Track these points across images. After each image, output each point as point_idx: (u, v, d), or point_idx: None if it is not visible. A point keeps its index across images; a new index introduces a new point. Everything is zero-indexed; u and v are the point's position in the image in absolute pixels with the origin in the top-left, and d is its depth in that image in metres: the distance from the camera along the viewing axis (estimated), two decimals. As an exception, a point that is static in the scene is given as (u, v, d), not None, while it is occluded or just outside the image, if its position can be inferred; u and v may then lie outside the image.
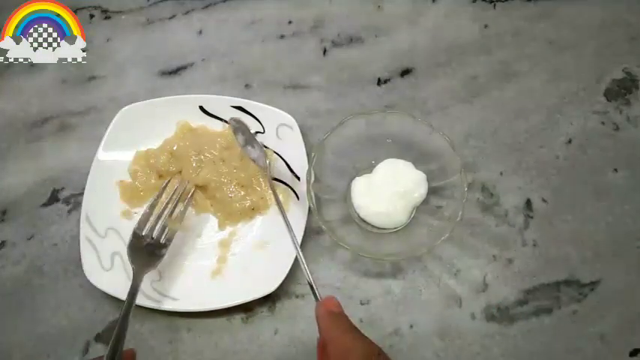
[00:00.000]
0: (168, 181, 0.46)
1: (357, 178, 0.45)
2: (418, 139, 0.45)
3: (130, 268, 0.43)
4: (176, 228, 0.44)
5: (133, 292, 0.38)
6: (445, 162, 0.44)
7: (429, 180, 0.44)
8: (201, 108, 0.50)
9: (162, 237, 0.43)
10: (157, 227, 0.43)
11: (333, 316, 0.31)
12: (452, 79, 0.54)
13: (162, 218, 0.43)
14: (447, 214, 0.42)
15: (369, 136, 0.46)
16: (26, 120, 0.54)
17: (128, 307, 0.37)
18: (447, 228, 0.40)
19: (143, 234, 0.42)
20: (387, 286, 0.44)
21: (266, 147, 0.49)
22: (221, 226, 0.46)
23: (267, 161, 0.45)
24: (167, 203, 0.44)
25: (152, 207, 0.44)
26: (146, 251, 0.42)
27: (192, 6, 0.61)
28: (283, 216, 0.41)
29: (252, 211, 0.46)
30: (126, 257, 0.44)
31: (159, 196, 0.45)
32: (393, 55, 0.56)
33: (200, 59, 0.57)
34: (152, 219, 0.43)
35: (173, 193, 0.45)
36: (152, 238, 0.42)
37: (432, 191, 0.44)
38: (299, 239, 0.43)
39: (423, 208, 0.44)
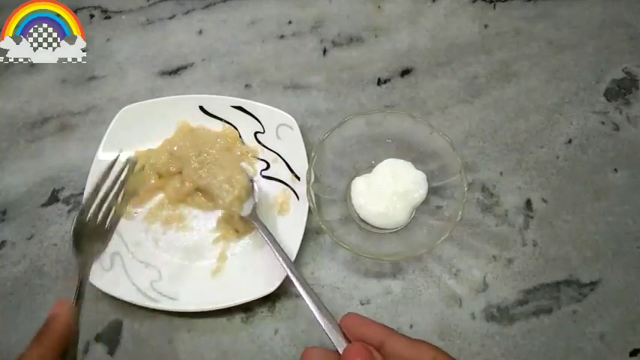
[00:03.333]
0: (116, 159, 0.40)
1: (357, 178, 0.45)
2: (418, 139, 0.45)
3: (130, 268, 0.43)
4: (122, 213, 0.39)
5: (81, 284, 0.35)
6: (445, 162, 0.44)
7: (429, 180, 0.44)
8: (201, 108, 0.50)
9: (107, 222, 0.38)
10: (102, 211, 0.38)
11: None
12: (452, 79, 0.54)
13: (108, 201, 0.38)
14: (447, 214, 0.42)
15: (369, 136, 0.46)
16: (26, 120, 0.54)
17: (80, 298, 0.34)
18: (447, 228, 0.40)
19: (87, 220, 0.37)
20: (387, 286, 0.44)
21: (266, 147, 0.49)
22: (218, 229, 0.46)
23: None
24: (114, 184, 0.39)
25: (97, 188, 0.39)
26: (90, 239, 0.37)
27: (192, 6, 0.61)
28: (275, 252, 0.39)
29: (237, 232, 0.46)
30: (126, 257, 0.44)
31: (104, 175, 0.39)
32: (393, 55, 0.56)
33: (200, 59, 0.57)
34: (97, 202, 0.38)
35: (120, 172, 0.40)
36: (96, 224, 0.38)
37: (432, 191, 0.44)
38: (299, 239, 0.43)
39: (423, 208, 0.44)
